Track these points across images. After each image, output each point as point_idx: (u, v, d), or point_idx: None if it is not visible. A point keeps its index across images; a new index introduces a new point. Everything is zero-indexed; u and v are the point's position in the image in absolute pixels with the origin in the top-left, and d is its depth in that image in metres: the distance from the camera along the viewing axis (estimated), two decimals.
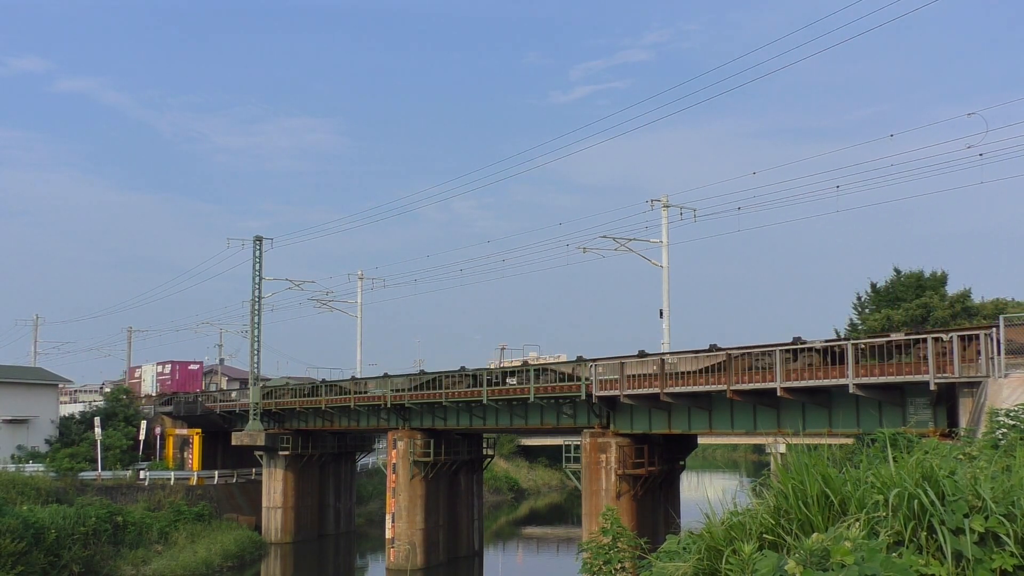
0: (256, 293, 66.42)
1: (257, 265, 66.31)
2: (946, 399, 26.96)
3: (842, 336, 49.96)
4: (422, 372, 54.43)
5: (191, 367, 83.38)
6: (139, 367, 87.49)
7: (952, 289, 53.36)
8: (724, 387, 31.70)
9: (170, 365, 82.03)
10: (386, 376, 55.02)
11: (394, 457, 51.67)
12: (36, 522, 46.06)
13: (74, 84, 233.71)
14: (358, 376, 62.77)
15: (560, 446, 47.07)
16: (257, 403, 63.64)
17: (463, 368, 47.98)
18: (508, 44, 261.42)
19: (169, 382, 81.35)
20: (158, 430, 71.71)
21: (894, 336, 28.03)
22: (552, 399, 41.70)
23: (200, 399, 74.02)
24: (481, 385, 44.54)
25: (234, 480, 67.24)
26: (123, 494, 58.74)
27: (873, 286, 56.96)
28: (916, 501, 5.55)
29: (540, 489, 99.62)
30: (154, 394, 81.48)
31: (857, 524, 5.55)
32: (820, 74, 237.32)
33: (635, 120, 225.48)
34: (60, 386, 75.11)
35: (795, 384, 29.41)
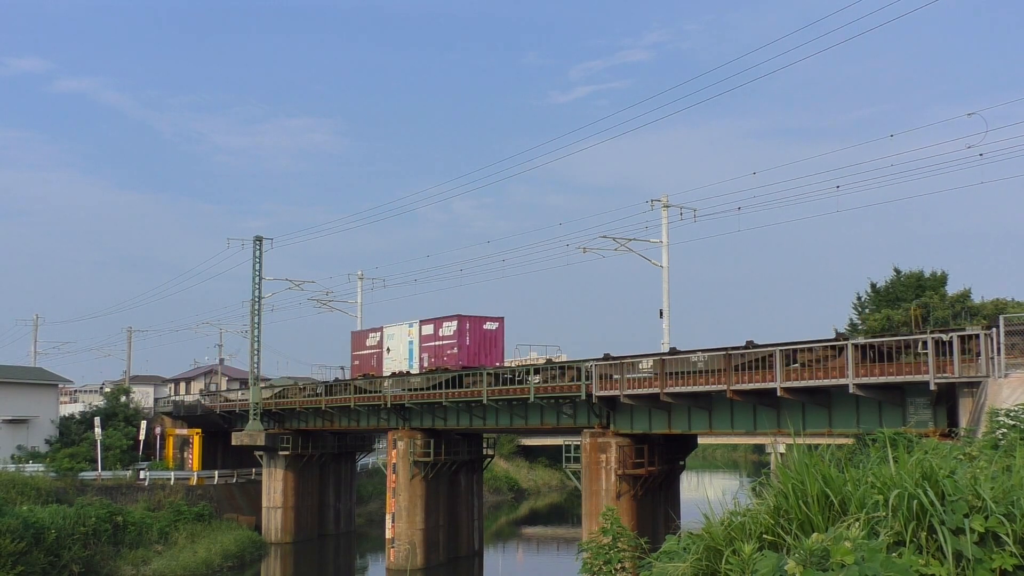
0: (256, 293, 66.45)
1: (257, 265, 66.34)
2: (946, 399, 26.96)
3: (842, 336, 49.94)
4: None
5: (487, 325, 51.23)
6: (377, 330, 57.18)
7: (952, 289, 53.38)
8: (724, 387, 31.69)
9: (455, 322, 50.43)
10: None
11: (394, 457, 51.69)
12: (36, 522, 46.06)
13: (74, 84, 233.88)
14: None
15: (560, 446, 47.02)
16: (257, 403, 63.65)
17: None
18: (507, 44, 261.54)
19: (454, 349, 50.21)
20: (158, 430, 71.78)
21: (890, 338, 28.04)
22: (552, 399, 41.70)
23: (200, 399, 74.02)
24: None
25: (234, 480, 67.27)
26: (123, 494, 58.78)
27: (873, 286, 56.99)
28: (916, 501, 5.55)
29: (540, 489, 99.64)
30: (414, 371, 52.50)
31: (857, 524, 5.55)
32: (820, 74, 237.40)
33: (635, 120, 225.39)
34: (60, 386, 75.15)
35: (795, 384, 29.41)
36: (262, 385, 66.32)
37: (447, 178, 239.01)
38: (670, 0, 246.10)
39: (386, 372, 54.90)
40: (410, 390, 49.80)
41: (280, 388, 65.00)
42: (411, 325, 53.85)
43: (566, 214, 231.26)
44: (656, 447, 39.23)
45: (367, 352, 57.87)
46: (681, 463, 42.77)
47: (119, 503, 56.22)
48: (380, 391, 51.69)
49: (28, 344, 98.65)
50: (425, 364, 51.95)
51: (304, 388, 62.95)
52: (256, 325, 66.19)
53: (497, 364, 49.62)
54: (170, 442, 70.97)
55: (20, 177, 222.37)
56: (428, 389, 48.04)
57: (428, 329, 52.43)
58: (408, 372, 52.87)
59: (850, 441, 30.47)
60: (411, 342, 53.82)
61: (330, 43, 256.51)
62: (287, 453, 62.03)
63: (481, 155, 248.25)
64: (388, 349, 55.62)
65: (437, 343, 51.64)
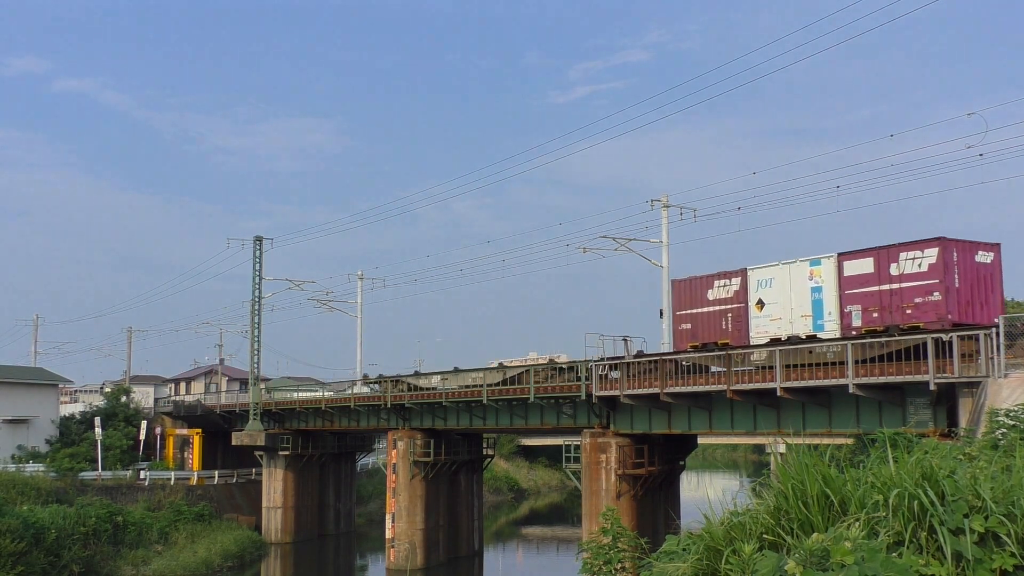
0: (256, 293, 66.46)
1: (257, 265, 66.36)
2: (946, 399, 26.96)
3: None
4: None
5: (980, 255, 29.37)
6: (732, 275, 34.91)
7: None
8: (724, 387, 31.68)
9: (934, 250, 28.46)
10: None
11: (394, 457, 51.69)
12: (36, 522, 46.06)
13: (74, 84, 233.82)
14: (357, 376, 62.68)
15: (560, 446, 46.99)
16: (257, 403, 63.65)
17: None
18: (507, 44, 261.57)
19: (933, 295, 28.16)
20: (158, 430, 71.75)
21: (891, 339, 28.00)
22: (552, 399, 41.70)
23: (201, 399, 73.92)
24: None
25: (234, 480, 67.26)
26: (123, 494, 58.76)
27: None
28: (916, 501, 5.55)
29: (540, 489, 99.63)
30: (827, 334, 30.90)
31: (857, 524, 5.55)
32: (820, 74, 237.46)
33: (634, 120, 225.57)
34: (60, 386, 75.12)
35: (795, 384, 29.39)
36: (492, 367, 47.96)
37: (447, 178, 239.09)
38: (669, 0, 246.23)
39: (757, 338, 33.73)
40: (825, 364, 29.46)
41: (518, 372, 45.37)
42: (815, 263, 32.26)
43: (566, 214, 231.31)
44: (656, 447, 39.22)
45: (709, 310, 36.40)
46: (681, 463, 42.75)
47: (119, 503, 56.20)
48: (748, 366, 32.73)
49: (28, 344, 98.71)
50: (855, 323, 30.72)
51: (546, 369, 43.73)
52: (256, 325, 66.19)
53: (995, 319, 26.49)
54: (170, 442, 70.96)
55: (20, 177, 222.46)
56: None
57: (861, 265, 30.94)
58: (814, 336, 31.48)
59: (850, 441, 30.46)
60: (817, 288, 32.35)
61: (330, 43, 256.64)
62: (287, 453, 62.03)
63: (481, 155, 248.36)
64: (760, 302, 34.53)
65: (886, 287, 30.04)
